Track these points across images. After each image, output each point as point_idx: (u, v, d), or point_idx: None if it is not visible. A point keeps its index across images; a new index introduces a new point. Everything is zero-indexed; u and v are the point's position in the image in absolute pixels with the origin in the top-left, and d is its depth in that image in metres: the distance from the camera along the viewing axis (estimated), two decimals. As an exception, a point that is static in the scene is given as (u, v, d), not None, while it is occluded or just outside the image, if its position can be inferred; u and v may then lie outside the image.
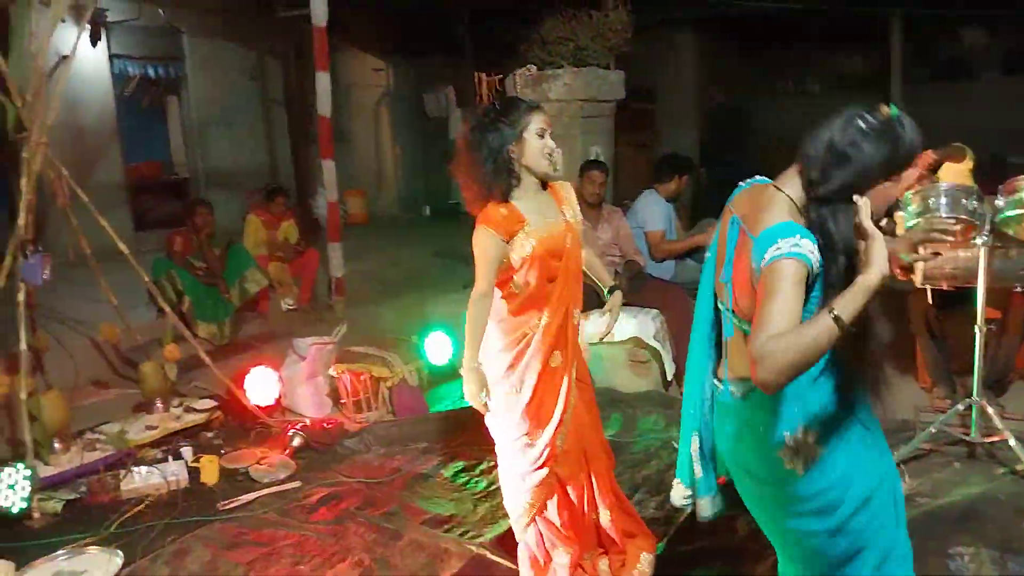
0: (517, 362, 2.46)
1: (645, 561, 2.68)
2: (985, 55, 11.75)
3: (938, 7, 9.59)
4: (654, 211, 5.02)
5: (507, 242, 2.38)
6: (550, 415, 2.47)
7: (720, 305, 1.81)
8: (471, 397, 2.51)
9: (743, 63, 13.11)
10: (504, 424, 2.53)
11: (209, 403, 4.35)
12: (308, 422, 4.21)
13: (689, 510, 2.06)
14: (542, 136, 2.39)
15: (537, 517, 2.54)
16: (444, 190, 12.02)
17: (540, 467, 2.48)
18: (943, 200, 3.30)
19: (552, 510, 2.54)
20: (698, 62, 11.42)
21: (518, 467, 2.52)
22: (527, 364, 2.45)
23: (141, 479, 3.58)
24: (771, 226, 1.57)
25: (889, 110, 1.59)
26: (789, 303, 1.49)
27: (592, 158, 5.24)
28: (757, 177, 1.81)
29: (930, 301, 3.92)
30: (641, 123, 11.87)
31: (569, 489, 2.57)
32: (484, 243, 2.38)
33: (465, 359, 2.49)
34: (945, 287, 3.78)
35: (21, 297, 3.71)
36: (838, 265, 1.57)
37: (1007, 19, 9.49)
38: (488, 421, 2.59)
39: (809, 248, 1.54)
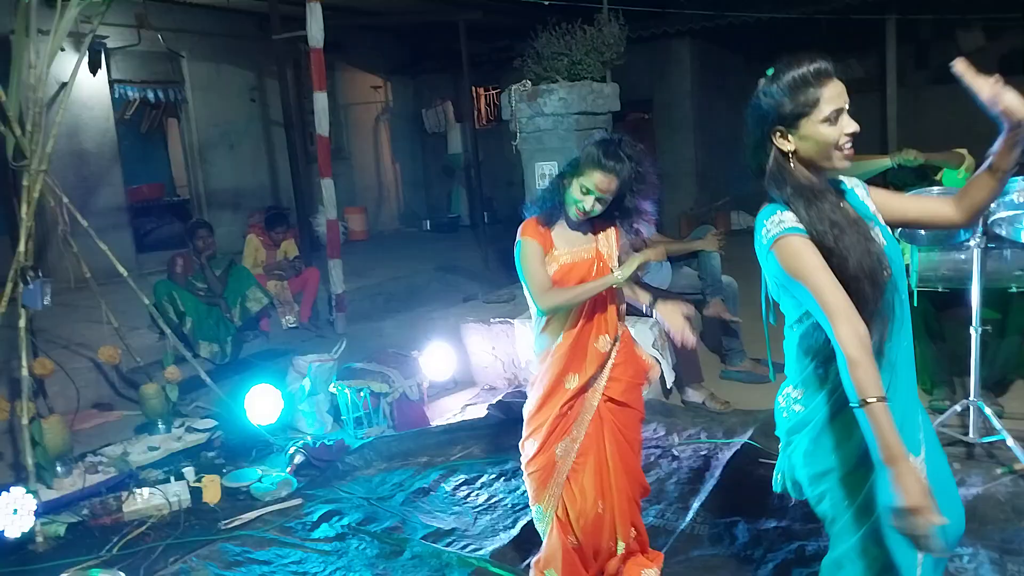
0: (539, 371, 2.64)
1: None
2: (982, 58, 11.79)
3: (934, 11, 9.62)
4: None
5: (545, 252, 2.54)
6: (550, 428, 2.59)
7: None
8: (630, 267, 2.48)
9: (741, 72, 13.16)
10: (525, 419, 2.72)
11: (210, 422, 4.37)
12: (309, 439, 4.23)
13: None
14: (587, 193, 2.46)
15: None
16: (444, 205, 12.11)
17: (531, 460, 2.65)
18: None
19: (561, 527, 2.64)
20: (695, 72, 11.47)
21: (523, 462, 2.71)
22: (542, 377, 2.62)
23: (143, 500, 3.60)
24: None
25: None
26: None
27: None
28: None
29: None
30: (640, 134, 11.93)
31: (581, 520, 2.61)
32: (527, 249, 2.53)
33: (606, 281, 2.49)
34: (940, 288, 3.80)
35: (22, 323, 3.75)
36: None
37: (1003, 22, 9.50)
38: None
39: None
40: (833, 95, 1.66)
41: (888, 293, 1.66)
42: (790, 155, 1.69)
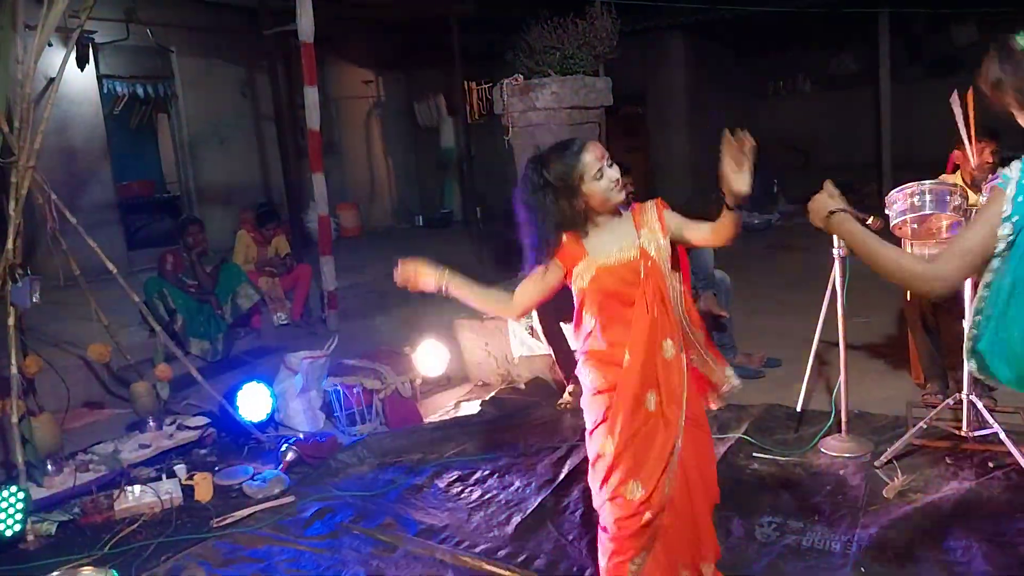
0: (607, 406, 2.20)
1: (707, 570, 2.38)
2: (974, 51, 11.79)
3: (927, 5, 9.63)
4: None
5: (564, 270, 2.24)
6: (643, 465, 2.17)
7: None
8: None
9: (734, 65, 13.16)
10: (594, 474, 2.25)
11: (202, 420, 4.35)
12: (301, 436, 4.21)
13: None
14: (600, 177, 2.17)
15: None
16: (436, 200, 12.08)
17: (632, 517, 2.16)
18: (928, 198, 3.34)
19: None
20: (688, 65, 11.46)
21: (608, 523, 2.22)
22: (616, 408, 2.18)
23: (135, 498, 3.58)
24: None
25: None
26: None
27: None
28: None
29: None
30: (633, 128, 11.91)
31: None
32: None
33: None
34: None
35: (11, 321, 3.72)
36: None
37: (996, 15, 9.51)
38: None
39: None
40: None
41: None
42: None
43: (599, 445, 2.21)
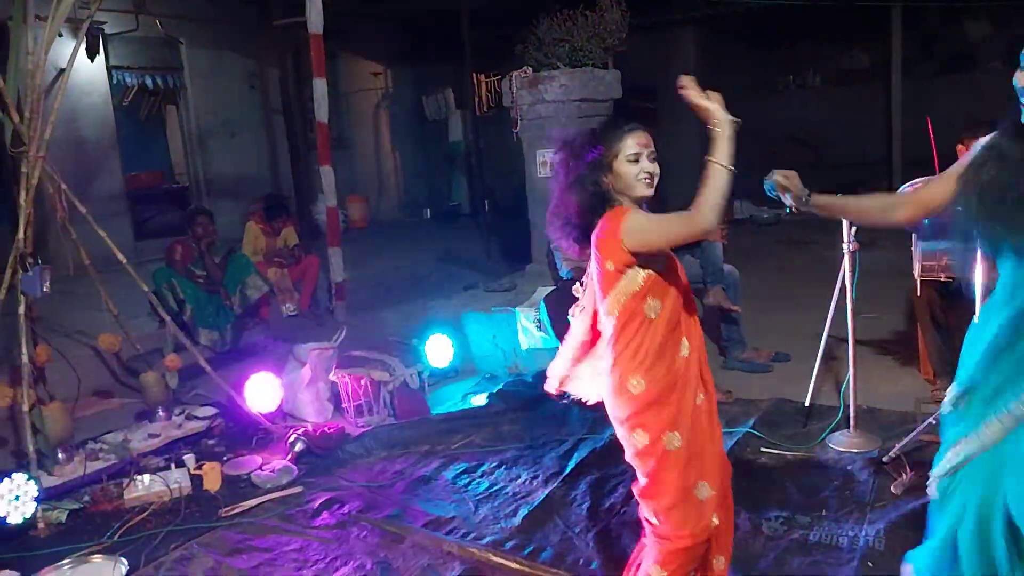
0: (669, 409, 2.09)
1: (718, 564, 2.29)
2: (988, 46, 11.70)
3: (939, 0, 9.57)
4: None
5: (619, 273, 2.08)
6: (703, 459, 2.11)
7: None
8: None
9: (744, 60, 13.08)
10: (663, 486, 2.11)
11: (210, 410, 4.37)
12: (310, 427, 4.22)
13: None
14: (636, 160, 2.11)
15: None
16: (445, 193, 12.08)
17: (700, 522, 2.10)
18: None
19: None
20: (699, 60, 11.40)
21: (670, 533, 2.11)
22: (679, 407, 2.08)
23: (144, 487, 3.60)
24: None
25: None
26: None
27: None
28: None
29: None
30: (643, 122, 11.84)
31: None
32: (637, 217, 2.08)
33: None
34: (943, 279, 3.79)
35: (22, 310, 3.74)
36: None
37: (1011, 10, 9.43)
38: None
39: None
40: None
41: None
42: None
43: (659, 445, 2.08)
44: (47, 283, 3.80)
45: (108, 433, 4.10)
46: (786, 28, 11.80)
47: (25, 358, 3.67)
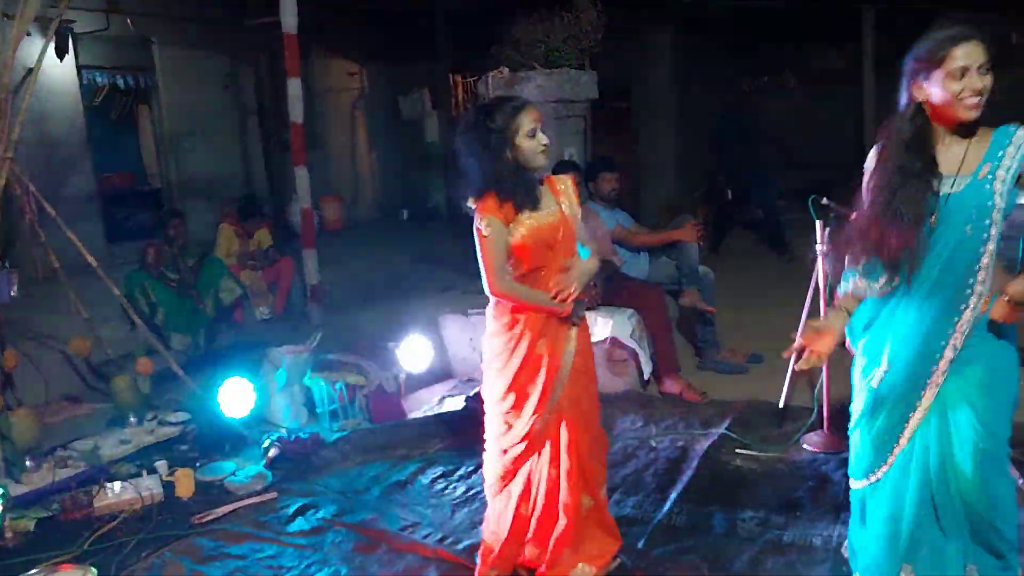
0: (506, 346, 2.56)
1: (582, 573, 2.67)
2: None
3: (914, 1, 9.66)
4: (602, 218, 4.92)
5: (506, 227, 2.49)
6: (527, 398, 2.56)
7: None
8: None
9: (720, 61, 13.17)
10: (489, 402, 2.66)
11: (183, 415, 4.31)
12: (284, 432, 4.18)
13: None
14: (533, 136, 2.46)
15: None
16: (422, 193, 12.02)
17: (517, 443, 2.60)
18: None
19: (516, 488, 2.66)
20: (675, 60, 11.46)
21: (499, 443, 2.65)
22: (513, 349, 2.54)
23: (115, 495, 3.55)
24: None
25: None
26: None
27: (565, 159, 5.24)
28: None
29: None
30: (620, 123, 11.89)
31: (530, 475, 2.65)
32: (489, 227, 2.49)
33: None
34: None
35: (-12, 314, 3.67)
36: None
37: (983, 11, 9.57)
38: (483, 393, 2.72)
39: None
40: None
41: None
42: None
43: (492, 378, 2.66)
44: (15, 287, 3.75)
45: (78, 439, 4.03)
46: (760, 29, 11.90)
47: (-8, 364, 3.60)
